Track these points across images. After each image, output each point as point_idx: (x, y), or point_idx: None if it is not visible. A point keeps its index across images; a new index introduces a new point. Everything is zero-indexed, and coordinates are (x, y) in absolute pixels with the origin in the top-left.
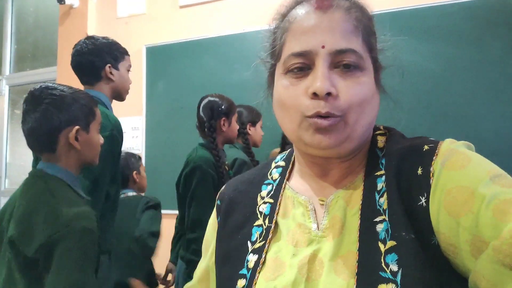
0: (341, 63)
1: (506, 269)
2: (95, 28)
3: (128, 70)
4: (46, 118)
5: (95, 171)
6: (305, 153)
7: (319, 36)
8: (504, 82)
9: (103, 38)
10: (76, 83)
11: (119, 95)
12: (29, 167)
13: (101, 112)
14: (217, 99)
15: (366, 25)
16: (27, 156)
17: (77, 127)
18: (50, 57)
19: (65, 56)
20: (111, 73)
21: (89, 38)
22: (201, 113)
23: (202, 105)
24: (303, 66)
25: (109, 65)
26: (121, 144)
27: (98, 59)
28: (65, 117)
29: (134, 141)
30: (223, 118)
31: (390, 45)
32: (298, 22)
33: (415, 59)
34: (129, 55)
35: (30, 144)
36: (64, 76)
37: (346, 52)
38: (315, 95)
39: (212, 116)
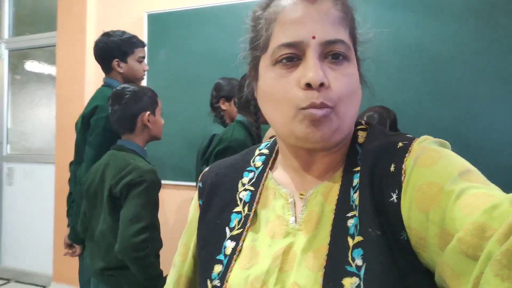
0: (330, 53)
1: (469, 259)
2: None
3: (139, 61)
4: (127, 108)
5: (95, 145)
6: (291, 146)
7: (309, 26)
8: None
9: (117, 34)
10: (76, 48)
11: (131, 82)
12: (30, 133)
13: (103, 95)
14: None
15: (351, 16)
16: (28, 122)
17: (148, 112)
18: (50, 21)
19: (65, 21)
20: (119, 66)
21: (104, 35)
22: (246, 90)
23: (247, 82)
24: (293, 57)
25: (116, 60)
26: None
27: (106, 55)
28: (140, 105)
29: None
30: None
31: (370, 37)
32: (286, 13)
33: (420, 36)
34: (142, 47)
35: (116, 127)
36: (63, 41)
37: (336, 42)
38: (308, 86)
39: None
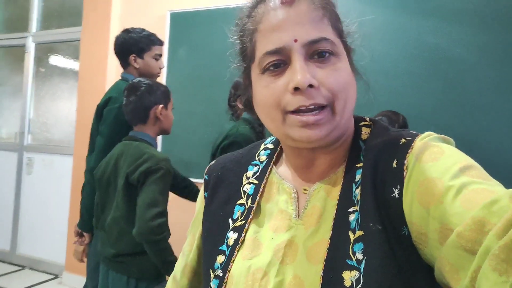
0: (316, 52)
1: (468, 254)
2: None
3: (156, 59)
4: (142, 99)
5: (106, 135)
6: (292, 146)
7: (289, 30)
8: None
9: (137, 31)
10: (99, 44)
11: (147, 77)
12: (51, 124)
13: (118, 88)
14: None
15: (332, 11)
16: (49, 113)
17: (161, 105)
18: (76, 17)
19: (90, 17)
20: (135, 61)
21: (124, 31)
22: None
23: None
24: (279, 63)
25: (133, 55)
26: None
27: (124, 50)
28: (154, 98)
29: None
30: None
31: (357, 27)
32: (266, 21)
33: (444, 43)
34: (159, 45)
35: (129, 118)
36: (88, 37)
37: (319, 41)
38: (296, 90)
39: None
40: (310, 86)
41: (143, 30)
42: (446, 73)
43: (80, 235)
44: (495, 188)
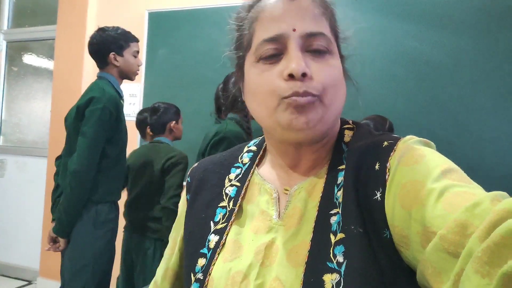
0: (311, 47)
1: (450, 257)
2: None
3: (134, 56)
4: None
5: (90, 136)
6: (278, 141)
7: (289, 21)
8: None
9: (112, 29)
10: (75, 43)
11: (126, 76)
12: (24, 125)
13: (99, 87)
14: None
15: (331, 12)
16: (22, 114)
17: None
18: (50, 15)
19: (65, 15)
20: (115, 59)
21: (99, 30)
22: (231, 88)
23: (232, 80)
24: (275, 53)
25: (113, 53)
26: (116, 115)
27: (103, 48)
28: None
29: (131, 108)
30: None
31: (352, 34)
32: (267, 11)
33: (421, 47)
34: (136, 42)
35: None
36: (63, 35)
37: (317, 35)
38: (290, 77)
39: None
40: (304, 75)
41: (118, 27)
42: (428, 76)
43: (54, 241)
44: (476, 191)
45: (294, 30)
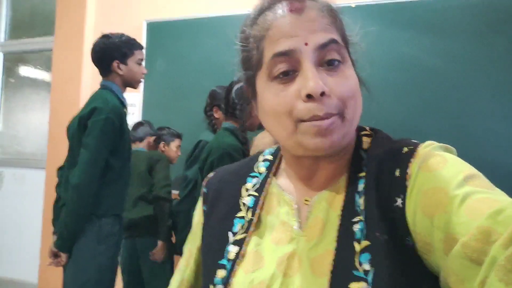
0: (325, 59)
1: (473, 264)
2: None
3: (139, 63)
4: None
5: (92, 148)
6: (296, 155)
7: (300, 35)
8: (508, 81)
9: (116, 36)
10: (73, 54)
11: (130, 84)
12: (22, 137)
13: (102, 97)
14: None
15: (339, 19)
16: (20, 126)
17: (118, 60)
18: (47, 26)
19: (63, 25)
20: (119, 67)
21: (103, 37)
22: (234, 96)
23: (235, 88)
24: (288, 70)
25: (116, 61)
26: (120, 125)
27: (106, 56)
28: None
29: (130, 118)
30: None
31: (360, 38)
32: (275, 28)
33: (418, 53)
34: (141, 49)
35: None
36: (61, 46)
37: (329, 44)
38: (309, 97)
39: (245, 101)
40: (322, 94)
41: (123, 34)
42: (422, 81)
43: (55, 255)
44: (500, 197)
45: (306, 44)
